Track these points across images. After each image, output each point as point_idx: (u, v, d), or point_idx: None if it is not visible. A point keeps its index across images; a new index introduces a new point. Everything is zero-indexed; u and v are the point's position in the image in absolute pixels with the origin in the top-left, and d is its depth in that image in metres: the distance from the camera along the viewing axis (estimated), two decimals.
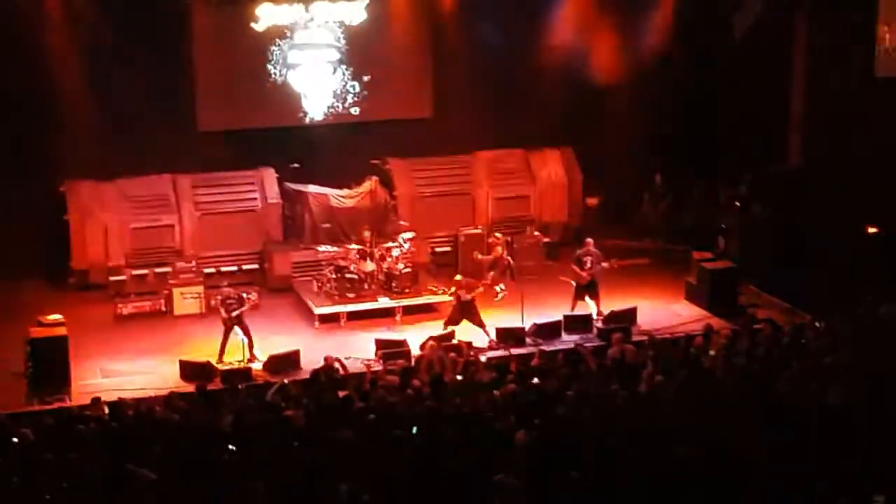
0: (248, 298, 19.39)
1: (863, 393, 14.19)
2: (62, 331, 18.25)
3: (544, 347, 18.38)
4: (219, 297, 19.26)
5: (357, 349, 18.74)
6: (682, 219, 23.94)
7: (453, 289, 19.58)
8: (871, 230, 21.88)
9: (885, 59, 23.64)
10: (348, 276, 20.83)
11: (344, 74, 23.65)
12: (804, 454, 12.29)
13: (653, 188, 24.45)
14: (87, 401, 16.02)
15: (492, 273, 21.28)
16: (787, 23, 23.52)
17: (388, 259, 21.23)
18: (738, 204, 22.89)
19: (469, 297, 19.29)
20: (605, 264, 20.23)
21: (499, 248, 21.59)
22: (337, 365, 16.89)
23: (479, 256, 21.41)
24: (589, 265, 20.18)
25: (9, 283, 21.16)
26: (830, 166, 22.45)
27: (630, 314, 19.89)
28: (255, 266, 22.46)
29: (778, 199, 22.59)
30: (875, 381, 14.54)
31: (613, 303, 20.25)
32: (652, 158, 24.05)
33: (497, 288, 21.04)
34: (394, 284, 21.00)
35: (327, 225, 22.67)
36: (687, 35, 23.19)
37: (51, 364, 17.77)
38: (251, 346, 18.80)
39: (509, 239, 22.90)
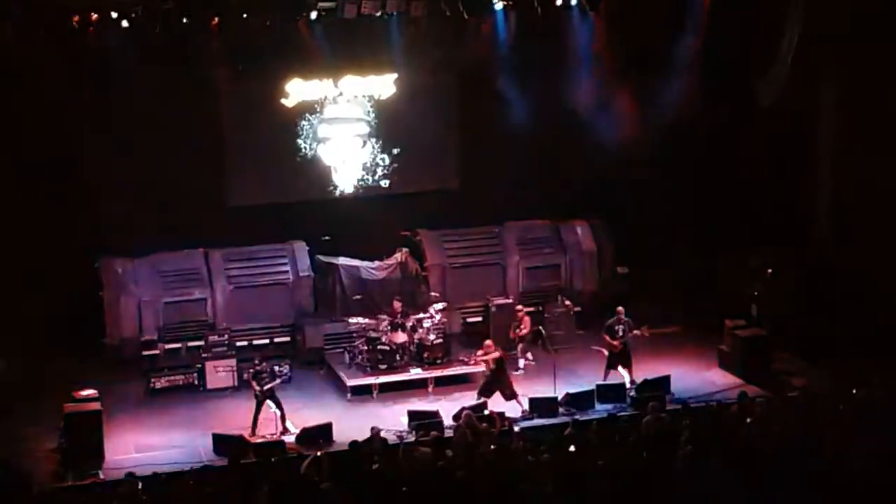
0: (280, 371, 19.40)
1: None
2: (96, 406, 18.35)
3: (577, 417, 18.28)
4: (251, 371, 19.30)
5: (389, 421, 18.69)
6: (714, 286, 23.84)
7: (480, 352, 19.62)
8: None
9: None
10: (380, 347, 20.85)
11: (373, 148, 23.88)
12: None
13: (682, 256, 24.44)
14: (121, 475, 15.97)
15: (521, 345, 21.31)
16: (813, 89, 23.60)
17: (420, 330, 21.25)
18: (769, 270, 22.80)
19: (491, 359, 19.26)
20: (636, 332, 20.17)
21: (526, 318, 21.58)
22: (387, 436, 16.97)
23: (519, 332, 21.31)
24: (621, 334, 20.12)
25: (43, 359, 21.28)
26: (860, 232, 22.39)
27: (663, 382, 19.78)
28: (287, 338, 22.52)
29: (809, 264, 22.51)
30: None
31: (646, 371, 20.15)
32: (681, 226, 24.04)
33: (520, 362, 21.00)
34: (426, 355, 21.00)
35: (358, 297, 22.75)
36: (713, 103, 23.27)
37: (85, 439, 17.86)
38: (283, 419, 18.79)
39: (540, 308, 22.92)
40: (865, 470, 14.02)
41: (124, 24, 21.24)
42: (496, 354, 19.42)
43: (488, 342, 19.92)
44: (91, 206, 21.99)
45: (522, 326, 21.51)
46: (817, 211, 24.00)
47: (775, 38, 23.08)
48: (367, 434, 16.88)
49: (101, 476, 17.26)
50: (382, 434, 17.08)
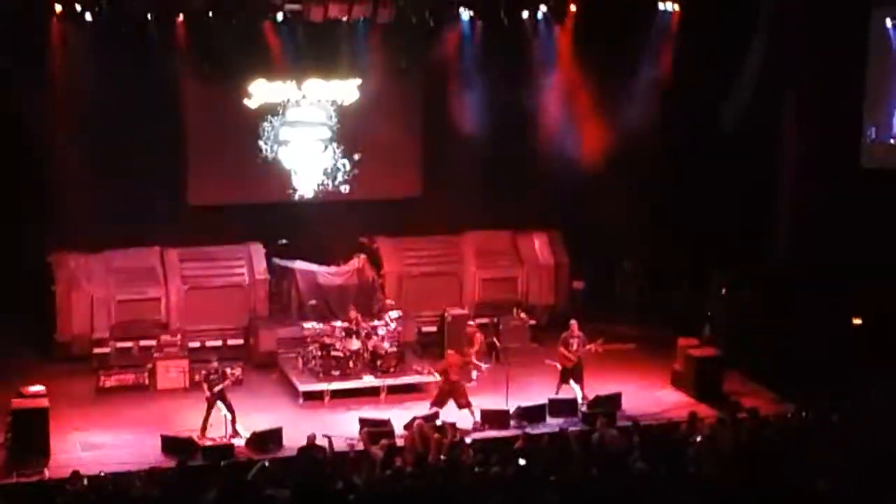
0: (232, 374, 19.29)
1: (849, 481, 14.20)
2: (44, 402, 18.16)
3: (529, 430, 18.29)
4: (203, 372, 19.17)
5: (341, 428, 18.61)
6: (668, 304, 23.99)
7: (437, 374, 19.57)
8: (857, 321, 21.99)
9: (870, 151, 24.04)
10: (333, 353, 20.78)
11: (335, 152, 23.81)
12: None
13: (624, 273, 24.61)
14: (67, 473, 15.80)
15: (474, 357, 21.21)
16: (775, 112, 23.83)
17: (374, 337, 21.18)
18: (724, 291, 22.94)
19: (455, 378, 19.26)
20: (590, 347, 20.18)
21: (477, 335, 21.55)
22: (323, 442, 16.79)
23: (472, 350, 21.26)
24: (574, 348, 20.14)
25: None
26: (817, 254, 22.60)
27: (615, 399, 19.83)
28: (241, 341, 22.38)
29: (765, 286, 22.67)
30: (862, 469, 14.56)
31: (598, 387, 20.19)
32: (639, 243, 24.16)
33: (473, 373, 20.96)
34: (379, 363, 20.94)
35: (314, 302, 22.66)
36: (675, 122, 23.43)
37: (31, 435, 17.65)
38: (234, 422, 18.66)
39: (495, 320, 22.91)
40: (814, 490, 14.13)
41: (87, 17, 21.15)
42: (454, 378, 19.35)
43: (451, 351, 19.92)
44: (47, 200, 21.71)
45: (474, 343, 21.42)
46: (775, 233, 24.23)
47: (739, 64, 23.36)
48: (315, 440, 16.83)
49: (47, 474, 17.03)
50: (332, 440, 16.99)
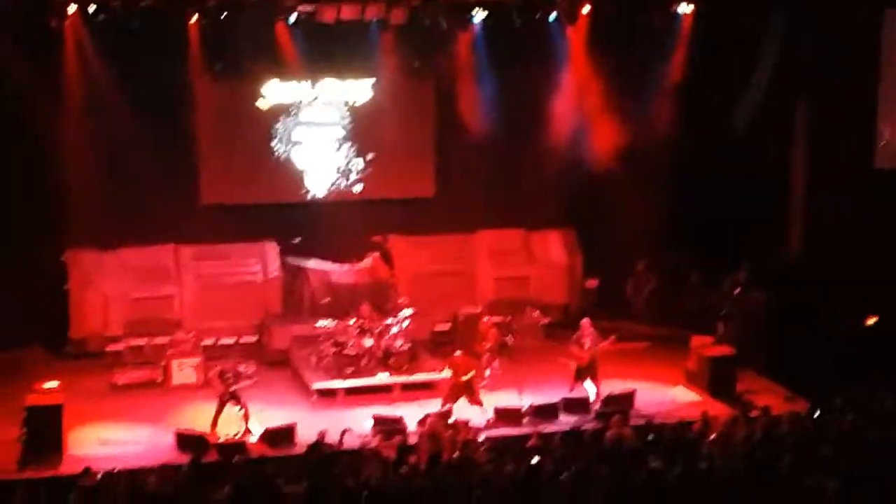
0: (247, 374, 19.31)
1: (859, 480, 14.20)
2: (58, 398, 18.19)
3: (542, 429, 18.28)
4: (217, 369, 19.19)
5: (354, 425, 18.60)
6: (681, 303, 23.96)
7: (448, 371, 19.52)
8: (871, 321, 21.97)
9: (883, 152, 24.04)
10: (346, 351, 20.79)
11: (348, 152, 23.85)
12: None
13: (636, 274, 24.58)
14: (80, 470, 15.85)
15: (487, 355, 21.19)
16: (789, 112, 23.82)
17: (387, 336, 21.19)
18: (737, 289, 22.93)
19: (464, 379, 19.25)
20: (603, 345, 20.12)
21: (492, 331, 21.53)
22: (337, 437, 16.81)
23: (487, 346, 21.24)
24: (588, 346, 20.12)
25: (8, 350, 21.13)
26: (830, 253, 22.59)
27: (629, 397, 19.80)
28: (254, 339, 22.42)
29: (777, 285, 22.66)
30: (872, 469, 14.57)
31: (612, 385, 20.15)
32: (653, 242, 24.13)
33: (486, 371, 20.89)
34: (392, 361, 20.94)
35: (327, 300, 22.69)
36: (689, 122, 23.42)
37: (45, 432, 17.67)
38: (247, 420, 18.70)
39: (508, 318, 22.90)
40: (823, 492, 14.13)
41: (101, 17, 21.21)
42: (463, 376, 19.34)
43: (459, 352, 19.91)
44: (62, 197, 21.75)
45: (488, 338, 21.42)
46: (788, 233, 24.22)
47: (753, 64, 23.36)
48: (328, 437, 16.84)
49: (61, 469, 17.09)
50: (345, 435, 17.02)
